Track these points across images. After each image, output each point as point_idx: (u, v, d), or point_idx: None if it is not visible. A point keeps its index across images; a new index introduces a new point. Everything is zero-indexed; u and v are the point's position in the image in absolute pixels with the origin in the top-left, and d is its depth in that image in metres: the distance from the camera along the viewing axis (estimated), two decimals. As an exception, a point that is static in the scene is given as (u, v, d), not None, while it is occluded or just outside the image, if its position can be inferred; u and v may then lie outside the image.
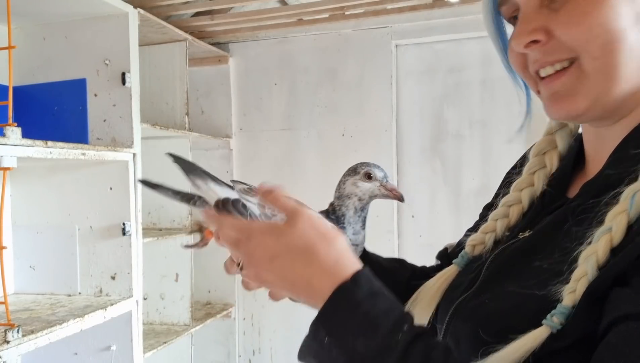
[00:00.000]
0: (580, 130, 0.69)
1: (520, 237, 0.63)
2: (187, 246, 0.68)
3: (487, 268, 0.64)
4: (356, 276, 0.52)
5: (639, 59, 0.54)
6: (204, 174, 0.69)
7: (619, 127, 0.57)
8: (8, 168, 1.22)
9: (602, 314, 0.47)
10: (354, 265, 0.53)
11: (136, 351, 1.72)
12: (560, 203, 0.62)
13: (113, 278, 1.72)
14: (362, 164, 0.75)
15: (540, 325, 0.49)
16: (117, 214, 1.69)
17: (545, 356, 0.49)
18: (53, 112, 1.77)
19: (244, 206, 0.62)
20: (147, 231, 2.07)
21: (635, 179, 0.50)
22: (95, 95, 1.74)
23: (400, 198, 0.75)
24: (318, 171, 2.48)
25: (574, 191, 0.63)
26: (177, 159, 0.71)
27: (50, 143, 1.37)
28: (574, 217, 0.56)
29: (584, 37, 0.53)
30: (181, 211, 2.22)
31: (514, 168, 0.79)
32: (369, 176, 0.74)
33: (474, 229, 0.76)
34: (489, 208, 0.79)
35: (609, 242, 0.48)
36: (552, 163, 0.69)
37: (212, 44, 2.51)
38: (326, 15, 2.31)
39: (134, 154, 1.73)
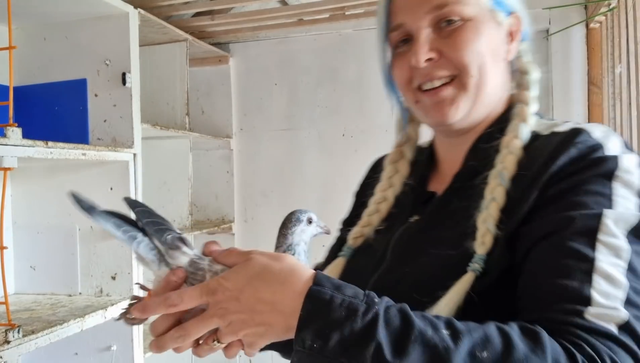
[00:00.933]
0: (419, 142, 0.90)
1: (412, 221, 0.77)
2: (120, 318, 0.65)
3: (393, 248, 0.76)
4: (316, 278, 0.57)
5: (494, 85, 0.73)
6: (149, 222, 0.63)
7: (464, 138, 0.77)
8: (9, 168, 1.23)
9: (514, 250, 0.63)
10: (306, 270, 0.59)
11: (136, 351, 1.72)
12: (431, 193, 0.80)
13: (113, 278, 1.72)
14: (297, 211, 0.85)
15: (465, 273, 0.63)
16: (117, 215, 1.69)
17: (478, 295, 0.61)
18: (53, 112, 1.77)
19: (200, 268, 0.62)
20: (148, 231, 2.07)
21: (493, 165, 0.69)
22: (96, 95, 1.74)
23: (329, 232, 0.88)
24: (318, 171, 2.48)
25: (433, 185, 0.82)
26: (128, 205, 0.66)
27: (50, 143, 1.37)
28: (458, 197, 0.73)
29: (467, 59, 0.70)
30: (182, 212, 2.22)
31: (367, 178, 0.97)
32: (310, 221, 0.84)
33: (347, 226, 0.90)
34: (348, 223, 0.92)
35: (497, 207, 0.65)
36: (405, 168, 0.86)
37: (213, 44, 2.51)
38: (327, 15, 2.31)
39: (135, 155, 1.73)
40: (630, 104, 1.69)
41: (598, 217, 0.59)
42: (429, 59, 0.71)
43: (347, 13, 2.29)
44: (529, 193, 0.64)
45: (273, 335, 0.57)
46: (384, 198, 0.85)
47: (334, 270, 0.82)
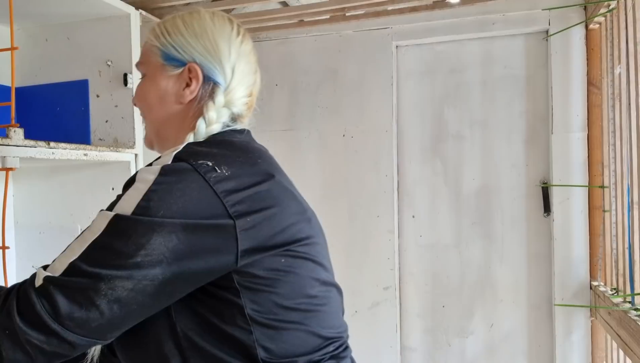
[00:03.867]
0: None
1: None
2: None
3: None
4: None
5: (164, 123, 0.92)
6: None
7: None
8: (11, 169, 1.23)
9: None
10: None
11: (138, 350, 1.73)
12: None
13: (115, 278, 1.73)
14: None
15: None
16: (118, 215, 1.70)
17: None
18: (55, 113, 1.78)
19: None
20: (149, 231, 2.08)
21: None
22: (98, 96, 1.74)
23: None
24: (319, 171, 2.48)
25: None
26: None
27: (52, 144, 1.38)
28: None
29: (138, 104, 0.95)
30: (182, 212, 2.23)
31: None
32: None
33: None
34: None
35: None
36: None
37: (214, 45, 2.51)
38: (327, 16, 2.31)
39: (136, 155, 1.74)
40: (629, 104, 1.69)
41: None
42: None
43: (347, 14, 2.30)
44: None
45: None
46: None
47: None
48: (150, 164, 0.78)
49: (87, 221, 1.71)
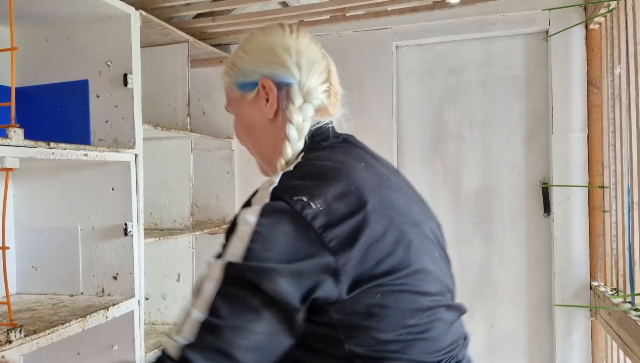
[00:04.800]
0: None
1: None
2: None
3: None
4: None
5: (264, 143, 0.95)
6: None
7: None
8: (10, 169, 1.23)
9: None
10: None
11: (138, 351, 1.73)
12: None
13: (115, 278, 1.73)
14: None
15: None
16: (119, 215, 1.70)
17: None
18: (55, 113, 1.78)
19: None
20: (149, 231, 2.08)
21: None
22: (98, 96, 1.75)
23: None
24: (319, 171, 2.48)
25: None
26: None
27: (52, 144, 1.38)
28: None
29: (238, 140, 1.01)
30: (183, 212, 2.23)
31: None
32: None
33: None
34: None
35: None
36: None
37: (214, 46, 2.51)
38: (327, 16, 2.31)
39: (136, 155, 1.74)
40: (629, 105, 1.69)
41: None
42: None
43: (347, 14, 2.30)
44: None
45: None
46: None
47: None
48: (249, 202, 0.78)
49: (87, 221, 1.73)
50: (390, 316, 0.77)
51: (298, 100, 0.90)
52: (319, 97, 0.92)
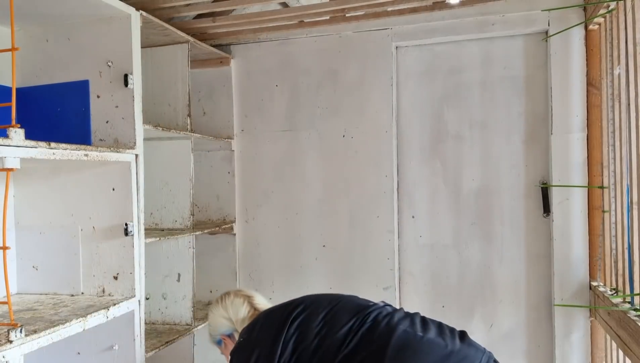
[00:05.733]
0: None
1: None
2: None
3: None
4: None
5: None
6: None
7: None
8: (11, 169, 1.24)
9: None
10: None
11: (138, 350, 1.73)
12: None
13: (115, 278, 1.73)
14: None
15: None
16: (119, 215, 1.70)
17: None
18: (56, 113, 1.79)
19: None
20: (150, 231, 2.09)
21: None
22: (98, 96, 1.75)
23: None
24: (319, 171, 2.49)
25: None
26: None
27: (53, 144, 1.38)
28: None
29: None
30: (183, 212, 2.23)
31: None
32: None
33: None
34: None
35: None
36: None
37: (214, 46, 2.52)
38: (327, 17, 2.32)
39: (136, 155, 1.74)
40: (629, 105, 1.69)
41: None
42: None
43: (347, 15, 2.30)
44: None
45: None
46: None
47: None
48: None
49: (87, 221, 1.73)
50: None
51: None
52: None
